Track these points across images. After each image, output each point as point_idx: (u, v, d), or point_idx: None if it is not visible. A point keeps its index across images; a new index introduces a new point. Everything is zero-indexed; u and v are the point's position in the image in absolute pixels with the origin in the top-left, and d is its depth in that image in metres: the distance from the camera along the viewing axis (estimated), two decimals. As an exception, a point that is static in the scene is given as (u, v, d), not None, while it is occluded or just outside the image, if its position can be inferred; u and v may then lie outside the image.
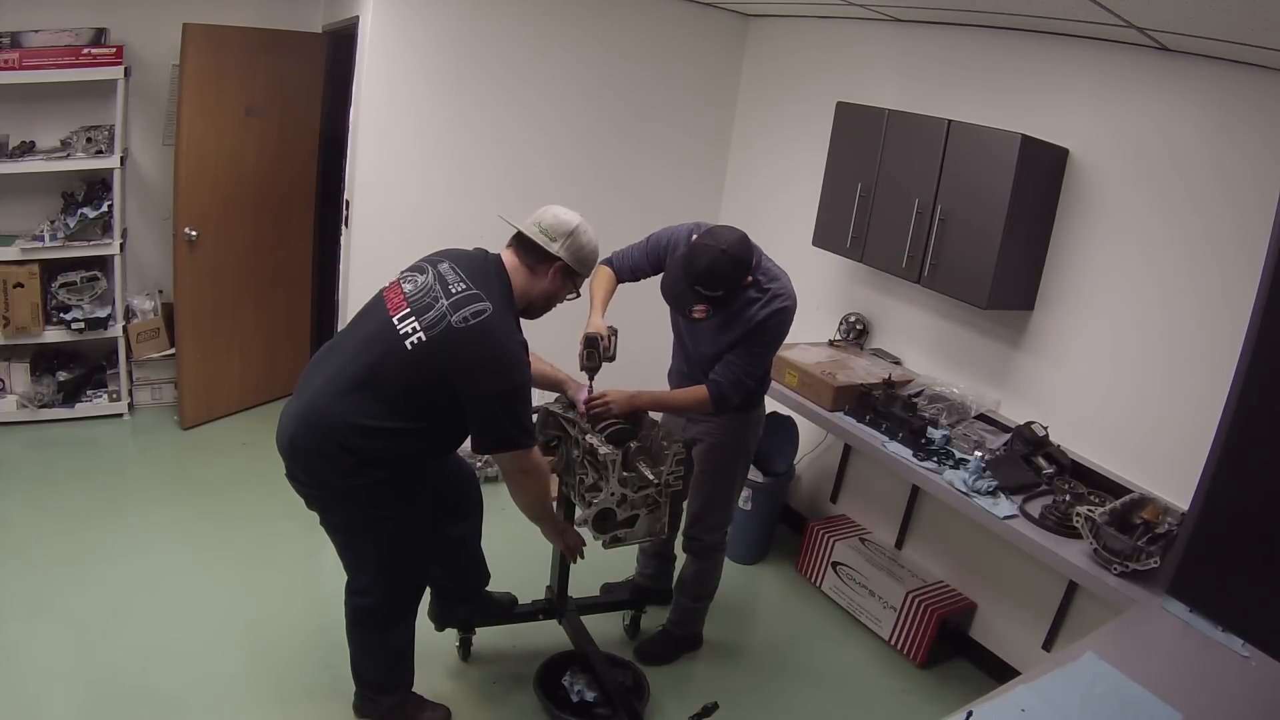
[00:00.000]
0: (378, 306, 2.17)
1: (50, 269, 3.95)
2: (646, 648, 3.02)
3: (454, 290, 2.07)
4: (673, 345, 2.82)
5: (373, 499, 2.13)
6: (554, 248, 2.17)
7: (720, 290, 2.31)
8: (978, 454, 2.90)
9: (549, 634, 2.91)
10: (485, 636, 2.89)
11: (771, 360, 2.64)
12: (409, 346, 2.03)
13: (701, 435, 2.77)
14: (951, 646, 3.22)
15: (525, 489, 2.30)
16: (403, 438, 2.09)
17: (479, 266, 2.16)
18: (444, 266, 2.16)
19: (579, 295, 2.32)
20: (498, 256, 2.22)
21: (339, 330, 3.90)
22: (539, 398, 2.84)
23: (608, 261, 2.69)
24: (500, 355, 2.04)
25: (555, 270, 2.20)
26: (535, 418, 2.57)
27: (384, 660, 2.42)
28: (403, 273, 2.23)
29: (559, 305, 2.31)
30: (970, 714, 1.65)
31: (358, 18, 3.62)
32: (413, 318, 2.06)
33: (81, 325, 3.98)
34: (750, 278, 2.39)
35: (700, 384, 2.56)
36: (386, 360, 2.05)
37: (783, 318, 2.48)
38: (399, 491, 2.17)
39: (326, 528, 2.26)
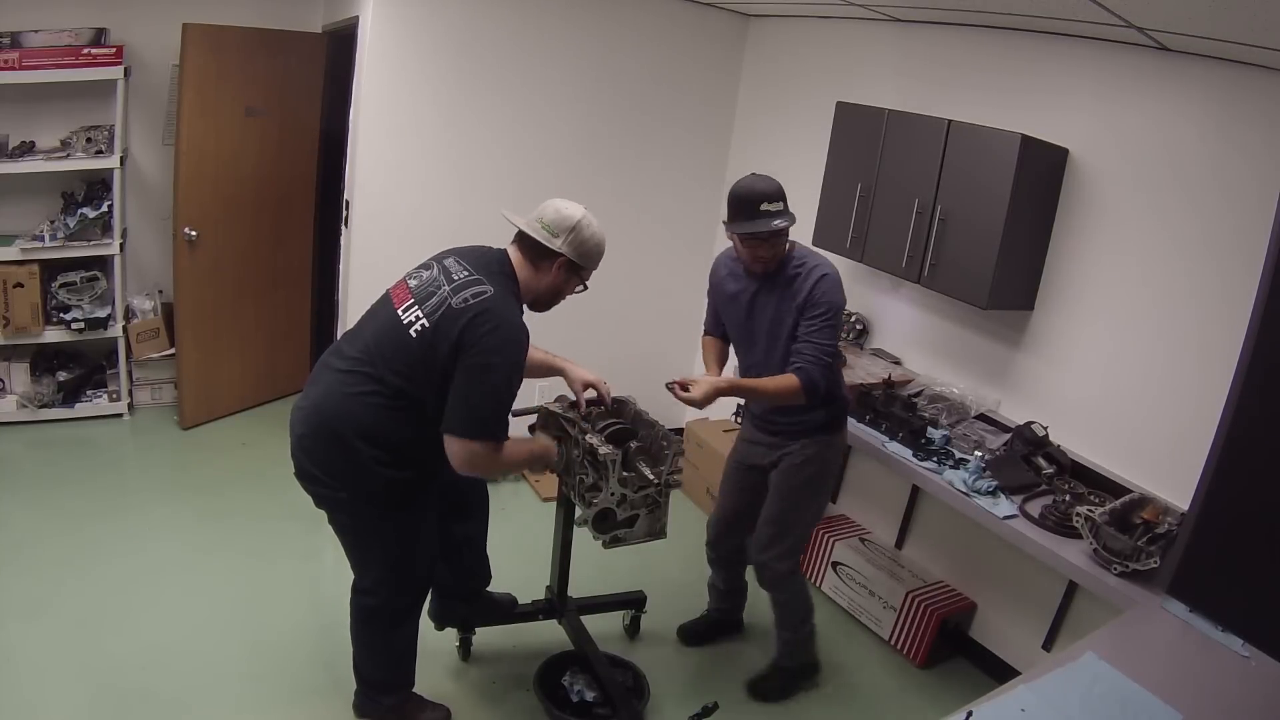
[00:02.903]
0: (384, 304, 2.20)
1: (50, 269, 3.95)
2: (761, 685, 2.90)
3: (456, 278, 2.10)
4: (736, 354, 2.78)
5: (383, 498, 2.14)
6: (556, 244, 2.18)
7: (780, 202, 2.44)
8: (978, 454, 2.90)
9: (549, 634, 2.91)
10: (485, 636, 2.90)
11: (838, 336, 2.55)
12: (413, 335, 2.05)
13: (782, 457, 2.70)
14: (951, 646, 3.22)
15: (483, 472, 2.23)
16: (415, 432, 2.10)
17: (483, 259, 2.19)
18: (449, 261, 2.18)
19: (586, 288, 2.34)
20: (503, 251, 2.24)
21: (341, 330, 3.93)
22: (538, 395, 2.86)
23: (705, 331, 2.83)
24: (497, 328, 2.02)
25: (559, 266, 2.21)
26: (535, 418, 2.58)
27: (387, 660, 2.43)
28: (409, 271, 2.25)
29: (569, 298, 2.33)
30: (970, 714, 1.65)
31: (358, 18, 3.61)
32: (416, 307, 2.08)
33: (81, 325, 3.98)
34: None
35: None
36: (394, 352, 2.07)
37: (829, 284, 2.48)
38: (410, 491, 2.18)
39: (334, 526, 2.26)
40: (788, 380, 2.44)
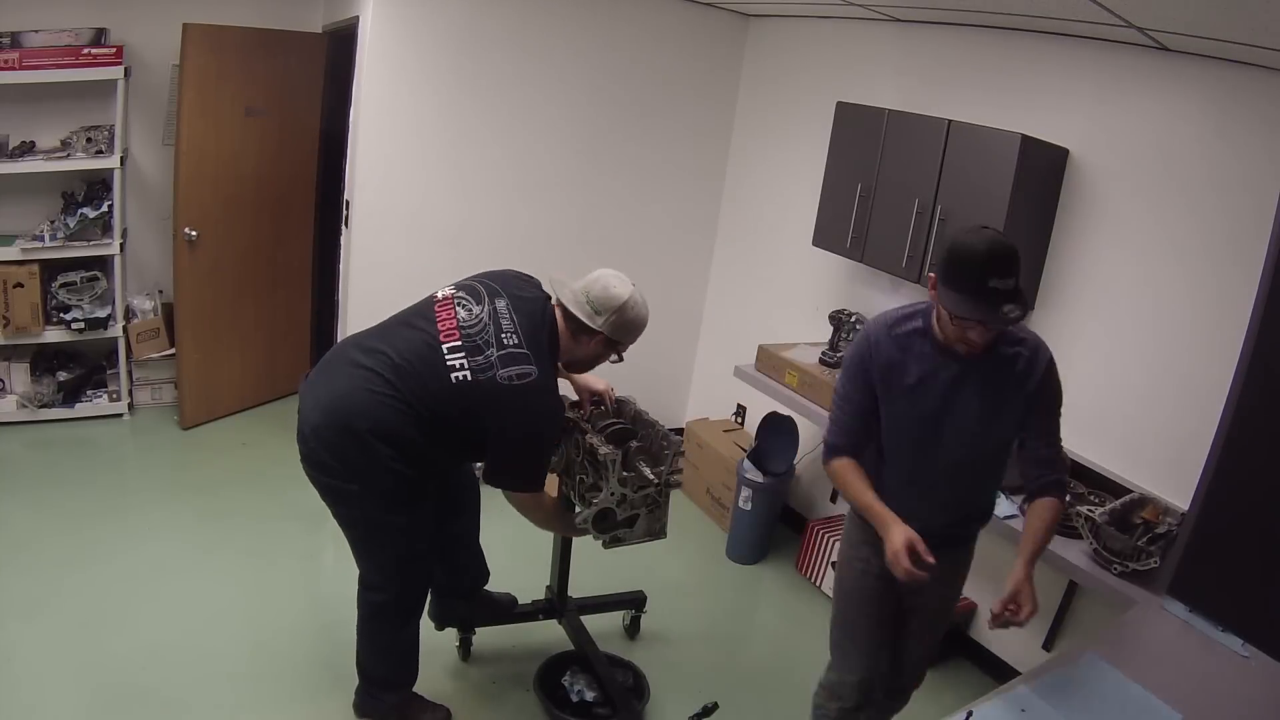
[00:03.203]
0: (427, 320, 2.18)
1: (50, 269, 3.95)
2: None
3: (506, 342, 2.11)
4: (887, 453, 2.07)
5: (393, 494, 2.16)
6: (597, 322, 2.21)
7: (1014, 277, 1.78)
8: (978, 454, 2.90)
9: (549, 634, 2.92)
10: (485, 636, 2.90)
11: None
12: (454, 380, 2.08)
13: (949, 576, 2.18)
14: (951, 646, 3.21)
15: (529, 519, 2.41)
16: (426, 436, 2.13)
17: (535, 321, 2.19)
18: (501, 305, 2.18)
19: (621, 360, 2.36)
20: (553, 312, 2.25)
21: (341, 330, 3.93)
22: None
23: (837, 450, 2.07)
24: (538, 415, 2.14)
25: (597, 341, 2.25)
26: None
27: (393, 657, 2.44)
28: (457, 291, 2.24)
29: None
30: (970, 714, 1.66)
31: (358, 18, 3.62)
32: (463, 354, 2.10)
33: (81, 325, 3.98)
34: None
35: (944, 492, 2.02)
36: (428, 381, 2.09)
37: (1056, 367, 1.99)
38: (417, 487, 2.20)
39: (339, 520, 2.26)
40: (1055, 508, 1.97)
